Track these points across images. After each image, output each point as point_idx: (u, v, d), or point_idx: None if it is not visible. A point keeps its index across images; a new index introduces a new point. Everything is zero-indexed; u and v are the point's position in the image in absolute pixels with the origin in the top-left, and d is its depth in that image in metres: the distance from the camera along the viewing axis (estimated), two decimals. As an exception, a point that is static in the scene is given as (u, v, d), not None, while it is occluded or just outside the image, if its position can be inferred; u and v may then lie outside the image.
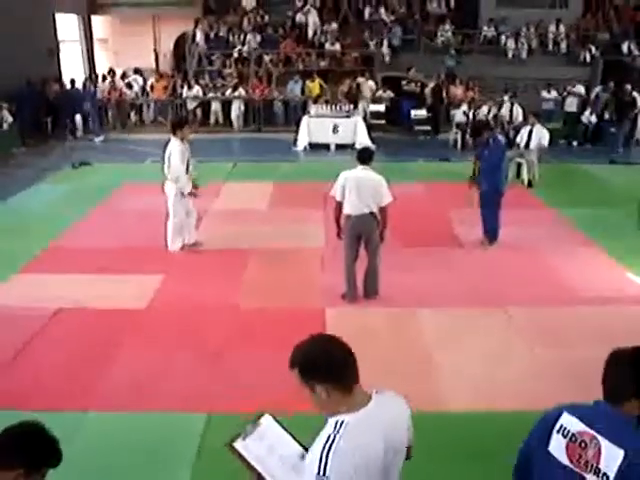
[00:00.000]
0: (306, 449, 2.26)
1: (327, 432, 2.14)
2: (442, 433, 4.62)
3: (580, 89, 17.00)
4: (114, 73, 19.35)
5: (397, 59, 19.21)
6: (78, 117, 17.57)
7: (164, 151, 8.13)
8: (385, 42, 19.87)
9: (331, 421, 2.17)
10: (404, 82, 18.02)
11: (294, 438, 2.42)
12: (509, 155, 11.75)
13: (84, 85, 17.82)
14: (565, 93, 17.02)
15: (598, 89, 17.41)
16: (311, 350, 2.24)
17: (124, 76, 19.31)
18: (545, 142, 11.83)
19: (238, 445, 2.36)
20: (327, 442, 2.10)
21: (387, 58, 19.67)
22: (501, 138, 8.76)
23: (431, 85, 17.74)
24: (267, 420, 2.46)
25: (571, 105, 16.79)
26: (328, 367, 2.19)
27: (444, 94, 17.67)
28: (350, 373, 2.23)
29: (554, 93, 17.50)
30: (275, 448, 2.37)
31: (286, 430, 2.45)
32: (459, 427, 4.69)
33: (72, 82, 18.15)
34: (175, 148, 7.94)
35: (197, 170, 8.52)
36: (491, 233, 8.57)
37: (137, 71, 19.97)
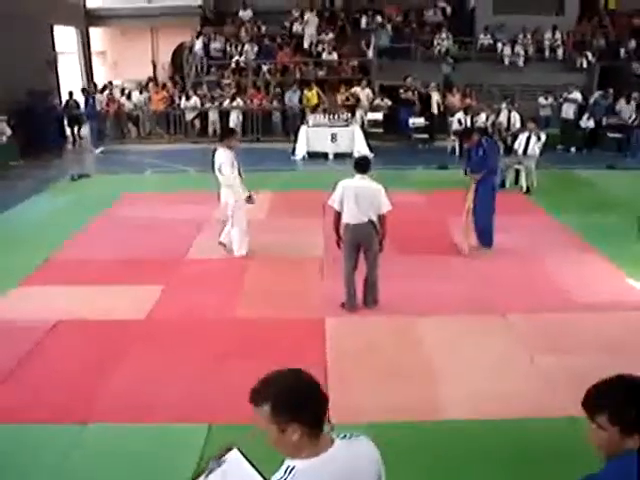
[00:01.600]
0: None
1: (276, 477, 2.05)
2: (442, 441, 4.61)
3: (577, 95, 17.04)
4: (111, 85, 19.43)
5: (394, 67, 19.25)
6: (79, 129, 17.76)
7: (212, 160, 8.24)
8: (371, 46, 19.92)
9: (284, 465, 2.06)
10: (401, 90, 18.08)
11: (261, 475, 2.28)
12: (507, 162, 11.81)
13: (86, 98, 17.89)
14: (562, 100, 17.07)
15: (597, 95, 17.46)
16: (288, 386, 2.07)
17: (124, 91, 19.40)
18: (541, 142, 11.83)
19: None
20: None
21: (375, 63, 19.64)
22: (489, 140, 8.74)
23: (410, 93, 17.85)
24: (234, 455, 2.33)
25: (567, 112, 16.84)
26: (305, 405, 2.03)
27: (435, 101, 17.78)
28: (324, 415, 2.08)
29: (551, 99, 17.55)
30: None
31: (254, 466, 2.32)
32: (459, 435, 4.67)
33: (70, 94, 18.24)
34: (225, 157, 8.08)
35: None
36: (486, 237, 8.55)
37: (155, 79, 20.11)
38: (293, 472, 2.02)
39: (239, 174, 8.27)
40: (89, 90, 18.67)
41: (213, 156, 8.27)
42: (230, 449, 2.35)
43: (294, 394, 2.04)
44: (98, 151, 17.03)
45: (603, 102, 16.99)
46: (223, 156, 8.10)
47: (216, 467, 2.28)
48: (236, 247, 8.44)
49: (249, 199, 8.34)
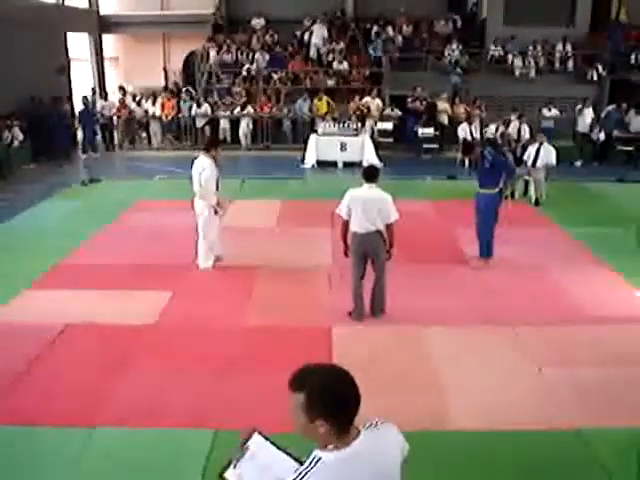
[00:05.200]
0: (302, 463, 2.16)
1: (303, 466, 2.08)
2: (448, 451, 4.60)
3: (589, 110, 16.97)
4: (124, 91, 19.53)
5: (404, 77, 19.30)
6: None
7: (191, 168, 8.15)
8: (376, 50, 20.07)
9: (312, 454, 2.10)
10: (409, 100, 18.14)
11: (288, 453, 2.32)
12: (517, 173, 11.79)
13: (84, 104, 17.82)
14: (577, 112, 16.97)
15: (610, 108, 17.40)
16: (328, 381, 2.12)
17: (135, 97, 19.47)
18: (553, 160, 11.86)
19: (229, 474, 2.28)
20: (298, 476, 2.04)
21: (386, 73, 19.68)
22: (490, 151, 8.66)
23: (418, 103, 17.92)
24: (257, 440, 2.35)
25: (583, 125, 16.72)
26: (340, 404, 2.09)
27: (444, 111, 17.85)
28: (354, 415, 2.13)
29: (555, 111, 17.48)
30: (269, 468, 2.27)
31: (278, 446, 2.34)
32: (465, 446, 4.66)
33: (85, 101, 18.35)
34: (208, 166, 7.95)
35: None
36: (486, 248, 8.53)
37: (190, 84, 20.20)
38: (318, 464, 2.05)
39: (217, 187, 8.11)
40: (89, 96, 18.53)
41: (191, 164, 8.15)
42: (252, 434, 2.37)
43: (331, 392, 2.09)
44: (84, 157, 16.43)
45: (616, 115, 16.93)
46: (207, 165, 7.96)
47: (242, 455, 2.31)
48: (201, 260, 8.34)
49: (216, 210, 8.18)
